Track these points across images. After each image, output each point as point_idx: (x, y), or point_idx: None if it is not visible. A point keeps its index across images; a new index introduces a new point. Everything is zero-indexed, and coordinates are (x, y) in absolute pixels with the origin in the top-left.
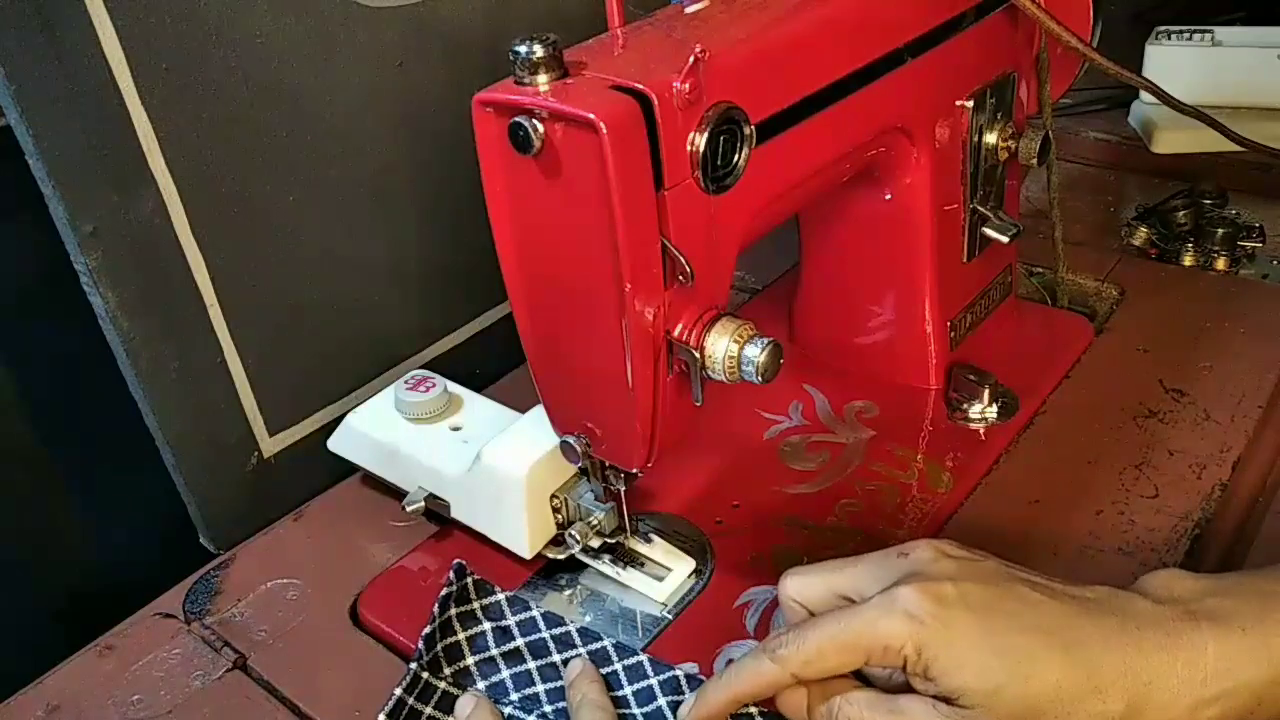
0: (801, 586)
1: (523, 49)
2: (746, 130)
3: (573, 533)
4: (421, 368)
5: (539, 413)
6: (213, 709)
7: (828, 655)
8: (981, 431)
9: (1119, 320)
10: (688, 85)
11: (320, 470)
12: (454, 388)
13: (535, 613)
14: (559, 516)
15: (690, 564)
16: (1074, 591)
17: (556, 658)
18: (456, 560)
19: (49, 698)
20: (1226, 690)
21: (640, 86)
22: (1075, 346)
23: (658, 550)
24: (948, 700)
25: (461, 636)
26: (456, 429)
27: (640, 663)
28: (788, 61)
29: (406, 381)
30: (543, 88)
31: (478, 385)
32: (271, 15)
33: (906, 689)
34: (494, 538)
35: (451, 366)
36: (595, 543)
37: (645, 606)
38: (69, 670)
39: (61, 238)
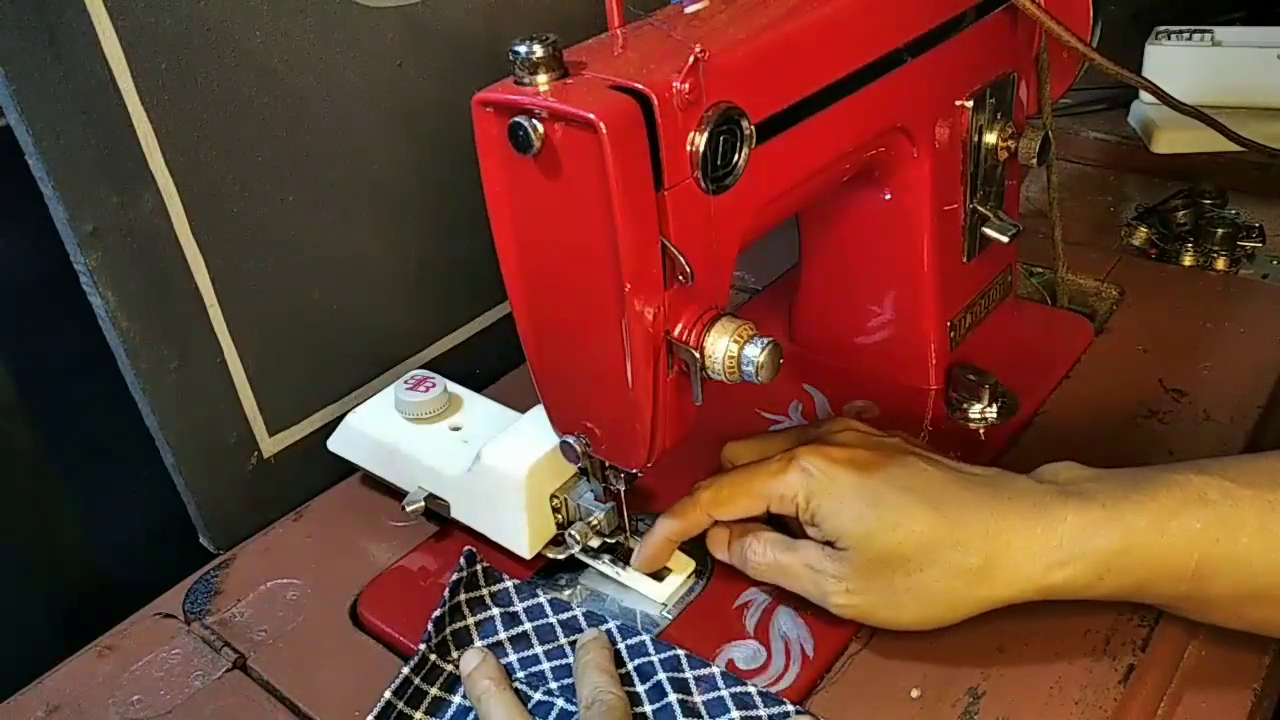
0: (736, 447)
1: (522, 49)
2: (746, 130)
3: (573, 533)
4: (421, 368)
5: (539, 413)
6: (213, 709)
7: (736, 499)
8: (981, 431)
9: (1119, 320)
10: (687, 85)
11: (320, 470)
12: (454, 388)
13: (542, 599)
14: (559, 516)
15: (690, 564)
16: (962, 467)
17: (563, 641)
18: (467, 547)
19: (49, 698)
20: (1075, 555)
21: (640, 86)
22: (1075, 346)
23: None
24: (832, 545)
25: (470, 621)
26: (456, 429)
27: (642, 642)
28: (788, 61)
29: (406, 381)
30: (542, 88)
31: (478, 385)
32: (271, 15)
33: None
34: (494, 538)
35: (451, 366)
36: (595, 543)
37: (645, 606)
38: (69, 670)
39: (61, 238)
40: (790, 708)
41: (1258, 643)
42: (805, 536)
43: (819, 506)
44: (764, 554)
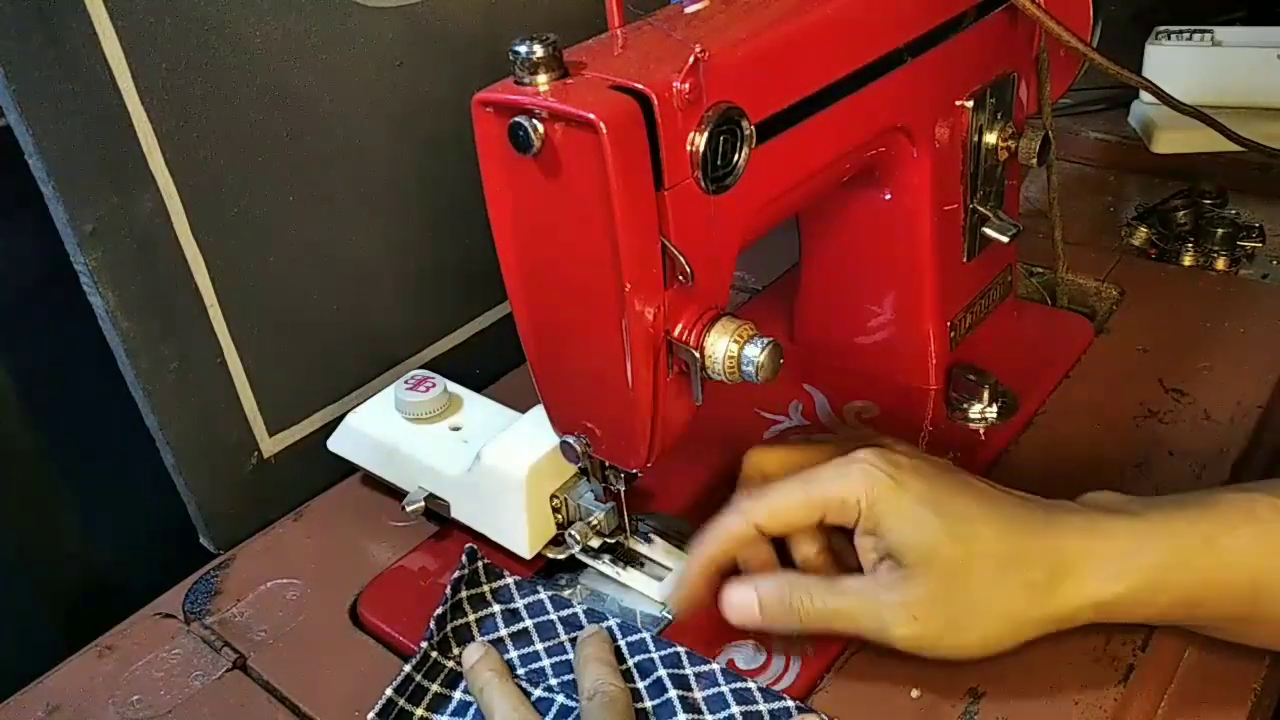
0: (762, 455)
1: (522, 49)
2: (746, 130)
3: (573, 533)
4: (421, 368)
5: (539, 413)
6: (213, 709)
7: (790, 508)
8: (981, 431)
9: (1119, 320)
10: (687, 85)
11: (320, 470)
12: (454, 388)
13: (543, 595)
14: (559, 516)
15: None
16: (1016, 494)
17: (564, 637)
18: (468, 544)
19: (49, 698)
20: (1130, 569)
21: (640, 86)
22: (1075, 346)
23: (658, 550)
24: (887, 560)
25: (471, 619)
26: (456, 429)
27: (643, 639)
28: (788, 61)
29: (406, 381)
30: (542, 88)
31: (478, 385)
32: (271, 15)
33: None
34: (494, 538)
35: (451, 366)
36: (595, 543)
37: (645, 606)
38: (69, 670)
39: (61, 238)
40: (791, 703)
41: None
42: (838, 568)
43: (884, 513)
44: (813, 601)
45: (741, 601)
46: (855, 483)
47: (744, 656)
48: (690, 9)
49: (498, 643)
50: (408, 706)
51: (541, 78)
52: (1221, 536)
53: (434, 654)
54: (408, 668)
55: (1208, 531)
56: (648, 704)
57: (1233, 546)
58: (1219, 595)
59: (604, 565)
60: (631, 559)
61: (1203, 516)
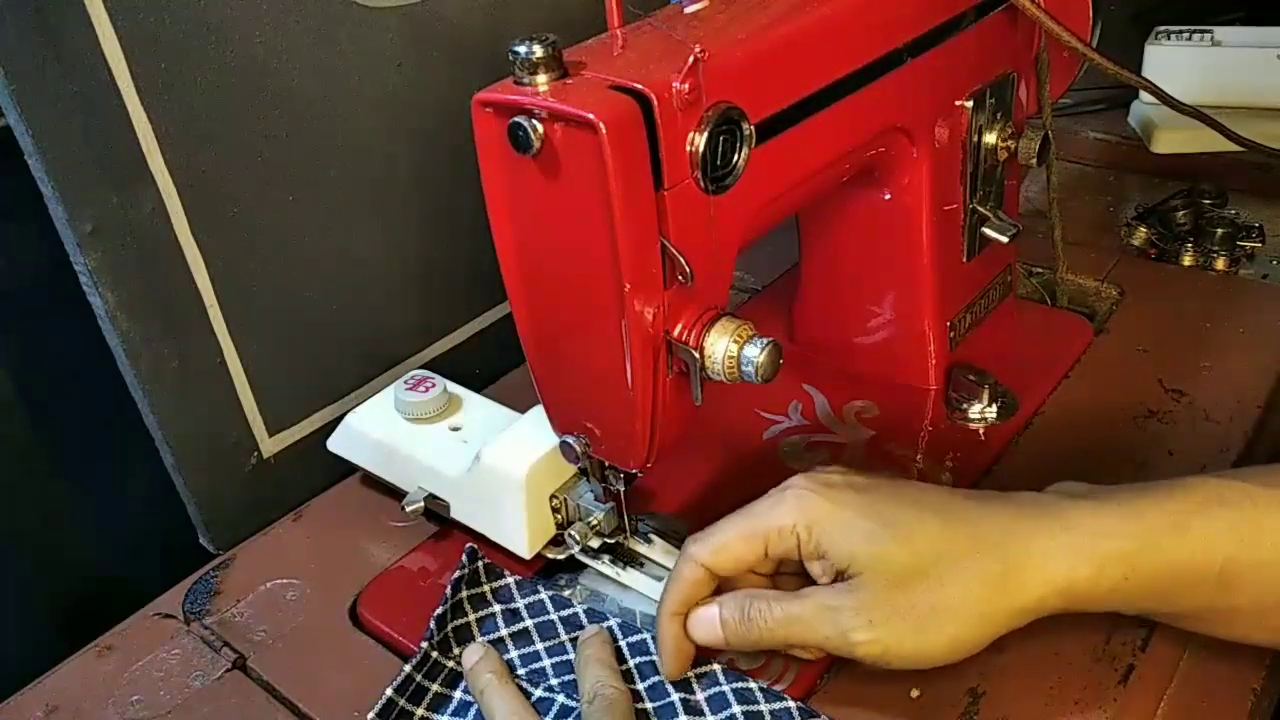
0: (703, 544)
1: (522, 49)
2: (746, 130)
3: (572, 533)
4: (421, 368)
5: (539, 413)
6: (212, 709)
7: (732, 544)
8: (981, 431)
9: (1119, 320)
10: (687, 85)
11: (320, 470)
12: (454, 388)
13: (544, 595)
14: (559, 516)
15: None
16: (962, 491)
17: (564, 637)
18: (468, 544)
19: (49, 698)
20: (1097, 554)
21: (640, 87)
22: (1075, 346)
23: (658, 550)
24: (842, 576)
25: (472, 618)
26: (456, 429)
27: (643, 639)
28: (787, 61)
29: (406, 381)
30: (542, 88)
31: (478, 385)
32: (271, 15)
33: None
34: (494, 538)
35: (451, 366)
36: (595, 543)
37: (645, 606)
38: (69, 670)
39: (61, 238)
40: (792, 704)
41: None
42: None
43: (824, 533)
44: (771, 610)
45: (705, 617)
46: (789, 509)
47: (743, 657)
48: (690, 9)
49: (498, 643)
50: (408, 706)
51: (541, 78)
52: (1191, 520)
53: (434, 654)
54: (408, 668)
55: (1176, 516)
56: (649, 705)
57: (1203, 531)
58: (1188, 582)
59: (604, 565)
60: (631, 559)
61: (1171, 500)
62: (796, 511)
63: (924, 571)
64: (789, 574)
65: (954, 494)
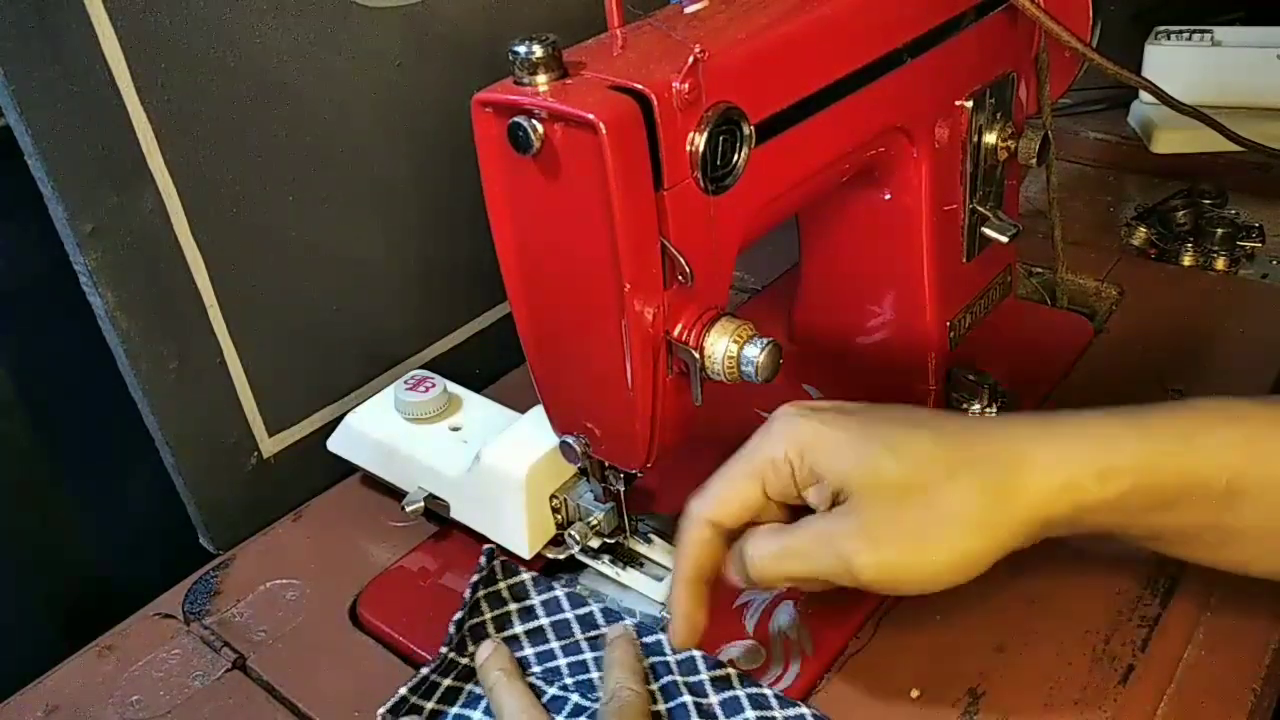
0: (702, 499)
1: (522, 49)
2: (746, 130)
3: (572, 533)
4: (421, 368)
5: (539, 413)
6: (212, 709)
7: (730, 491)
8: None
9: (1118, 320)
10: (687, 85)
11: (320, 470)
12: (454, 388)
13: (559, 593)
14: (559, 516)
15: None
16: (956, 412)
17: (579, 637)
18: (487, 545)
19: (49, 698)
20: (1104, 465)
21: (639, 86)
22: (1075, 346)
23: (657, 550)
24: (836, 502)
25: (488, 617)
26: (456, 429)
27: (659, 640)
28: (787, 61)
29: (406, 381)
30: (542, 88)
31: (478, 385)
32: (271, 15)
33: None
34: (494, 538)
35: (451, 366)
36: (595, 543)
37: (645, 606)
38: (69, 670)
39: (61, 238)
40: (807, 711)
41: (1258, 643)
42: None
43: (816, 458)
44: (764, 545)
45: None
46: (778, 438)
47: (743, 656)
48: (690, 9)
49: (512, 640)
50: (419, 701)
51: (541, 78)
52: (1199, 435)
53: (450, 654)
54: (425, 670)
55: (1184, 429)
56: (661, 707)
57: (1211, 444)
58: (1195, 496)
59: (604, 565)
60: (631, 559)
61: (1179, 415)
62: (786, 439)
63: (921, 486)
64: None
65: (948, 412)
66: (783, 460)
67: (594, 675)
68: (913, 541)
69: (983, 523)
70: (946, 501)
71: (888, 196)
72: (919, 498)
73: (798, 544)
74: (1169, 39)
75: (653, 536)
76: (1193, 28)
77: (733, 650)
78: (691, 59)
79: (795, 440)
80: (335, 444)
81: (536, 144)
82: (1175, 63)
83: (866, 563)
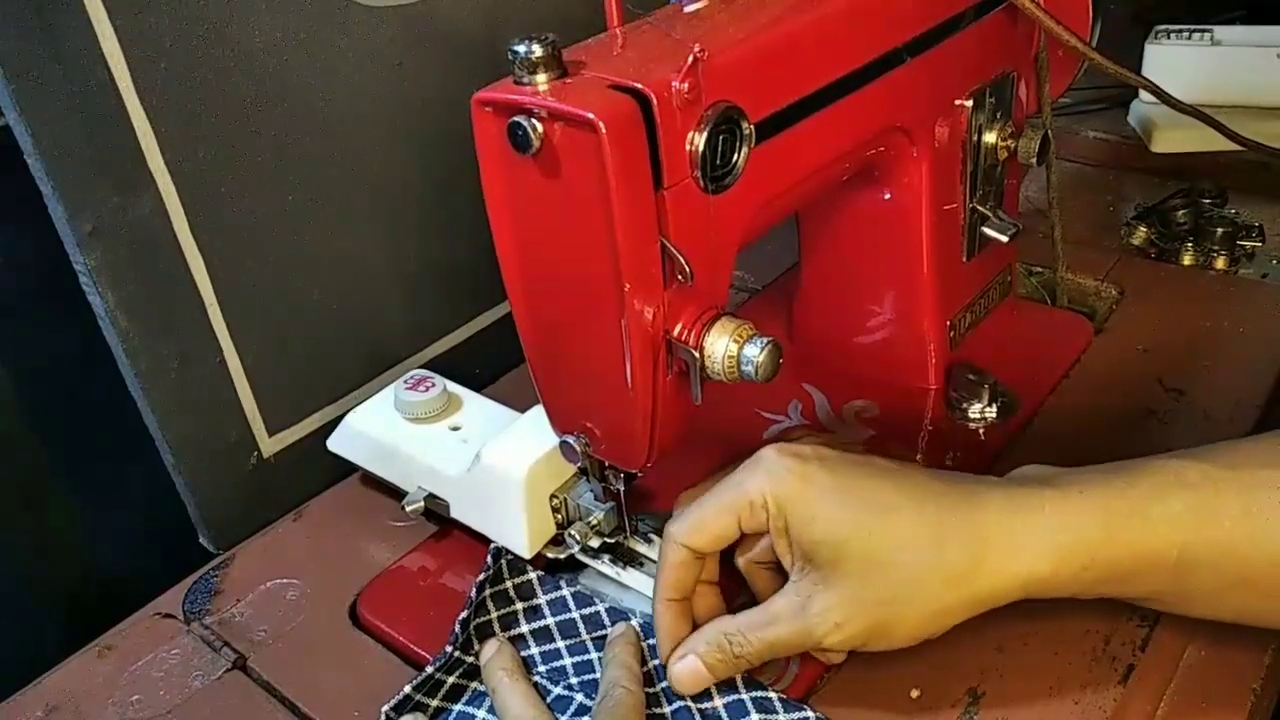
0: (689, 493)
1: (521, 48)
2: (745, 130)
3: (572, 533)
4: (421, 368)
5: (539, 413)
6: (212, 709)
7: (707, 520)
8: (981, 431)
9: (1118, 320)
10: (687, 85)
11: (320, 470)
12: (454, 388)
13: (565, 592)
14: (559, 516)
15: None
16: (929, 471)
17: (585, 636)
18: (494, 545)
19: (48, 698)
20: (1057, 546)
21: (639, 86)
22: (1075, 346)
23: (657, 550)
24: (805, 563)
25: (494, 615)
26: (456, 429)
27: None
28: (787, 61)
29: (406, 381)
30: (541, 87)
31: (478, 385)
32: (271, 15)
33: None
34: (493, 538)
35: (451, 366)
36: (595, 543)
37: (645, 606)
38: (68, 670)
39: (61, 238)
40: (811, 714)
41: (1257, 643)
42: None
43: (791, 511)
44: (751, 641)
45: (687, 669)
46: (759, 482)
47: None
48: (690, 9)
49: (519, 639)
50: (424, 699)
51: (541, 77)
52: (1151, 506)
53: (456, 653)
54: (430, 669)
55: (1137, 501)
56: (666, 709)
57: (1162, 517)
58: (1148, 568)
59: (604, 565)
60: (631, 559)
61: (1132, 485)
62: (766, 485)
63: (885, 564)
64: (763, 565)
65: (923, 474)
66: (760, 506)
67: (599, 675)
68: (876, 621)
69: (940, 607)
70: (909, 589)
71: (887, 196)
72: (881, 578)
73: (779, 635)
74: (1169, 38)
75: (653, 536)
76: (1193, 27)
77: None
78: (691, 58)
79: (775, 491)
80: (335, 444)
81: (536, 143)
82: (1175, 62)
83: (835, 641)
